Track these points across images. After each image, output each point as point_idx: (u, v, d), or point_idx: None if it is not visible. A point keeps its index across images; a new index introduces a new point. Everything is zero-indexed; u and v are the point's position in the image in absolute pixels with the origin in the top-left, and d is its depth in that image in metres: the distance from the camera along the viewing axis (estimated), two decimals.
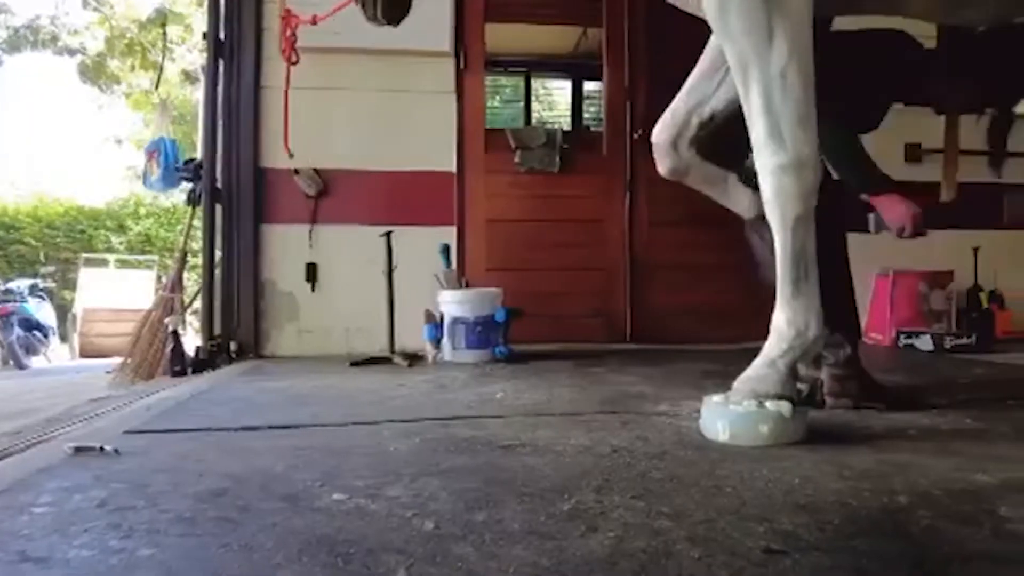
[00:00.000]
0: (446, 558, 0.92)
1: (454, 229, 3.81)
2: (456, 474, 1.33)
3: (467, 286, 3.49)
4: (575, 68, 6.25)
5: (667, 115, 2.08)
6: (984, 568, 0.89)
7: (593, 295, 3.97)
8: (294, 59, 3.44)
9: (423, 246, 3.48)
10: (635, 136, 3.94)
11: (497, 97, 7.30)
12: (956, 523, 1.06)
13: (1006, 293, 4.23)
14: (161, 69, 9.33)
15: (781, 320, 1.68)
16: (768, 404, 1.57)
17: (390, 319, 3.28)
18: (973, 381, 2.59)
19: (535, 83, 6.83)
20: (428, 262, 3.41)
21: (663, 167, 2.08)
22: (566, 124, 6.34)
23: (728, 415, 1.60)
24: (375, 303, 3.34)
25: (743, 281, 4.24)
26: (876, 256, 3.94)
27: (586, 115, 6.39)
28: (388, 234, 3.31)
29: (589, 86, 6.26)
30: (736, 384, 1.66)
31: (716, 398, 1.66)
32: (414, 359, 3.16)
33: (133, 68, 10.53)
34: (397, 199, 3.72)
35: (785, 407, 1.56)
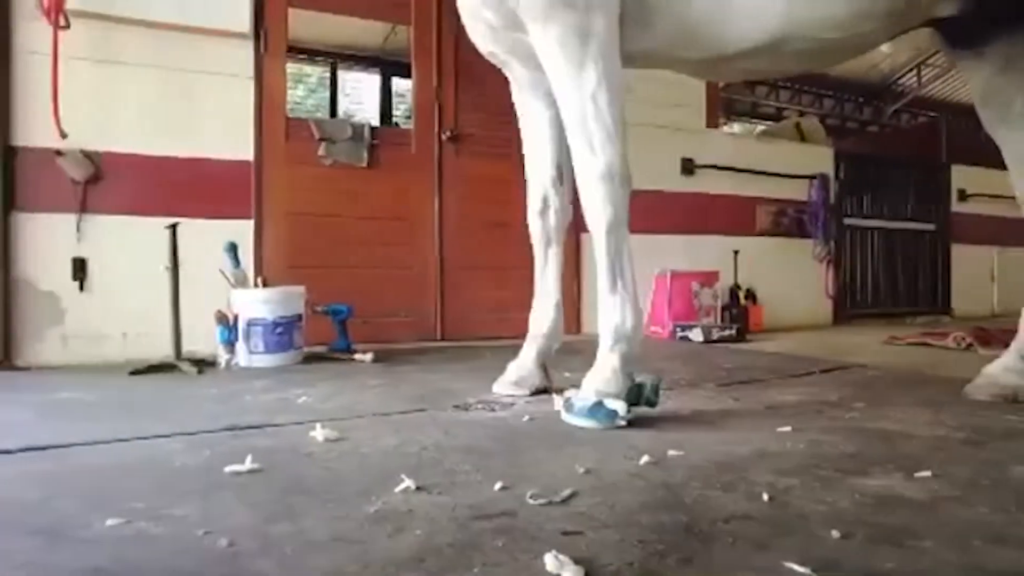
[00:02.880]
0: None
1: (251, 223, 3.56)
2: (254, 486, 1.25)
3: (265, 284, 3.29)
4: (385, 64, 6.16)
5: (532, 181, 2.33)
6: (740, 526, 1.04)
7: (402, 294, 3.94)
8: (63, 23, 3.00)
9: (215, 240, 3.20)
10: (444, 136, 3.99)
11: (301, 86, 6.95)
12: (720, 490, 1.22)
13: (759, 291, 4.95)
14: None
15: (604, 321, 1.89)
16: (607, 402, 1.74)
17: (175, 322, 2.97)
18: (733, 366, 2.99)
19: (342, 75, 6.61)
20: (221, 258, 3.14)
21: (533, 233, 2.34)
22: (375, 120, 6.23)
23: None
24: (158, 304, 3.01)
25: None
26: (658, 259, 4.40)
27: (397, 112, 6.33)
28: (174, 227, 3.00)
29: (400, 83, 6.21)
30: (584, 382, 1.85)
31: (568, 393, 1.86)
32: (205, 365, 2.90)
33: None
34: (185, 188, 3.38)
35: (620, 406, 1.73)
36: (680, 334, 4.17)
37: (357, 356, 3.12)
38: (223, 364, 2.94)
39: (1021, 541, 0.98)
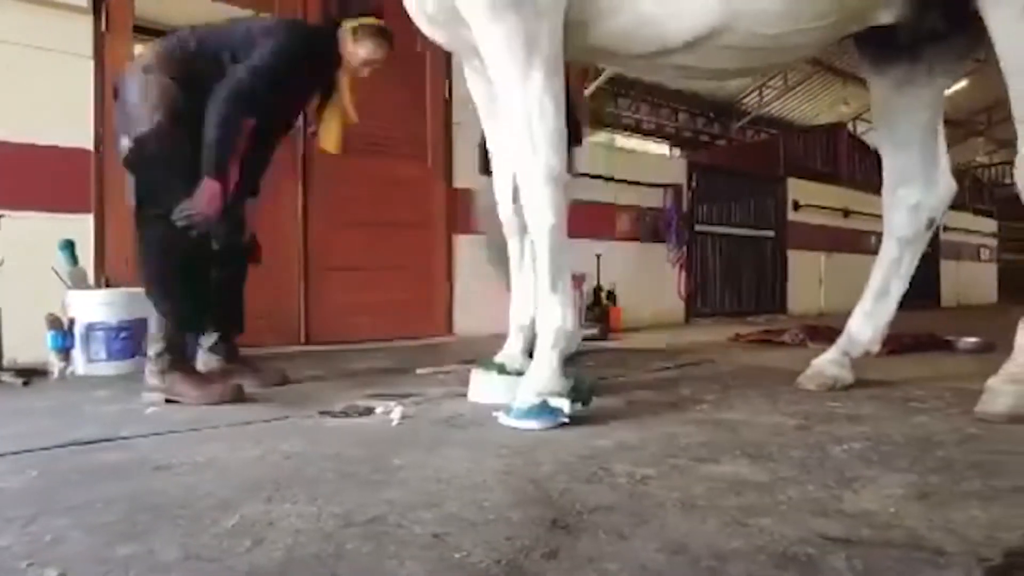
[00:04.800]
0: None
1: (91, 217, 3.22)
2: (92, 507, 1.13)
3: (107, 285, 3.00)
4: None
5: (503, 172, 2.22)
6: (603, 517, 1.08)
7: (262, 295, 3.72)
8: None
9: (46, 235, 2.87)
10: (309, 131, 3.83)
11: None
12: (584, 482, 1.27)
13: (618, 292, 5.21)
14: None
15: (544, 321, 1.89)
16: (551, 401, 1.75)
17: None
18: (596, 364, 3.12)
19: None
20: (53, 255, 2.82)
21: (504, 220, 2.25)
22: None
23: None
24: None
25: (416, 280, 4.51)
26: None
27: None
28: None
29: None
30: (522, 384, 1.84)
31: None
32: (33, 375, 2.59)
33: None
34: (9, 177, 3.00)
35: (564, 403, 1.75)
36: None
37: None
38: (56, 374, 2.64)
39: (839, 512, 1.11)
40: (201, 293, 2.16)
